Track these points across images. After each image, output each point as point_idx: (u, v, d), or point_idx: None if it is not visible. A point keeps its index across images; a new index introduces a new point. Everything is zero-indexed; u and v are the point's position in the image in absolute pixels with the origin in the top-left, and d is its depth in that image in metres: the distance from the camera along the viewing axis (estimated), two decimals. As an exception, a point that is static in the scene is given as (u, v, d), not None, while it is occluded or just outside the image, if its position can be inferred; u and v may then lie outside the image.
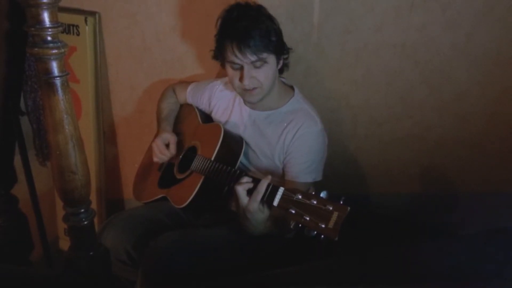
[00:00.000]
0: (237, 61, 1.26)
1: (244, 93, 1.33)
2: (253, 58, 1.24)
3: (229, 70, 1.31)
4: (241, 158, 1.39)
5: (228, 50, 1.26)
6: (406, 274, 1.08)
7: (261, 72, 1.27)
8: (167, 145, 1.50)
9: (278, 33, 1.30)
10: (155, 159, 1.51)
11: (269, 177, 1.14)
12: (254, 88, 1.30)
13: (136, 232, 1.41)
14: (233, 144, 1.40)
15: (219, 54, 1.33)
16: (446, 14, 1.44)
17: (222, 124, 1.43)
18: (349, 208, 0.98)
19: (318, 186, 1.23)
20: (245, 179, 1.17)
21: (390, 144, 1.68)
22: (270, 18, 1.29)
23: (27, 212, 1.64)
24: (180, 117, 1.65)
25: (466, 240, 1.28)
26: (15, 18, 1.35)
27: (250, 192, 1.15)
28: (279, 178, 1.39)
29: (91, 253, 1.12)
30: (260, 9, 1.30)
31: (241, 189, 1.15)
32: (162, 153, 1.48)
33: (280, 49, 1.31)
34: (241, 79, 1.28)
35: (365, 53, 1.55)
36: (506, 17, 1.41)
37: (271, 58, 1.28)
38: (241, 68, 1.27)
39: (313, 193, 1.03)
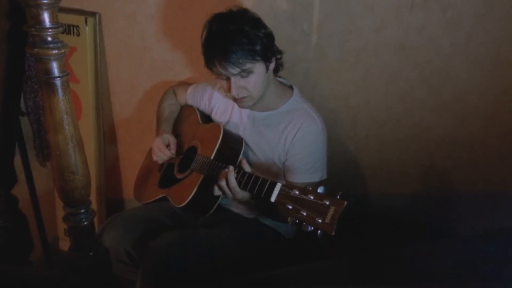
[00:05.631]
0: (222, 74, 1.27)
1: (235, 100, 1.35)
2: (235, 71, 1.23)
3: (219, 79, 1.32)
4: (241, 157, 1.39)
5: (212, 65, 1.26)
6: (406, 274, 1.08)
7: (249, 81, 1.27)
8: (167, 146, 1.50)
9: (264, 39, 1.25)
10: (155, 158, 1.51)
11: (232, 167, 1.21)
12: (243, 97, 1.31)
13: (136, 232, 1.41)
14: (232, 144, 1.40)
15: (207, 66, 1.32)
16: (446, 14, 1.44)
17: (222, 124, 1.44)
18: (346, 202, 0.97)
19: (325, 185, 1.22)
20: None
21: (390, 145, 1.68)
22: (255, 25, 1.25)
23: (27, 212, 1.65)
24: (180, 118, 1.66)
25: (466, 240, 1.28)
26: (15, 18, 1.35)
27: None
28: (280, 178, 1.38)
29: (91, 253, 1.12)
30: (242, 17, 1.25)
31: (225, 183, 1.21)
32: (162, 152, 1.48)
33: (267, 55, 1.28)
34: (228, 89, 1.29)
35: (365, 53, 1.55)
36: (506, 17, 1.41)
37: (257, 67, 1.26)
38: (228, 79, 1.27)
39: (310, 188, 1.03)
